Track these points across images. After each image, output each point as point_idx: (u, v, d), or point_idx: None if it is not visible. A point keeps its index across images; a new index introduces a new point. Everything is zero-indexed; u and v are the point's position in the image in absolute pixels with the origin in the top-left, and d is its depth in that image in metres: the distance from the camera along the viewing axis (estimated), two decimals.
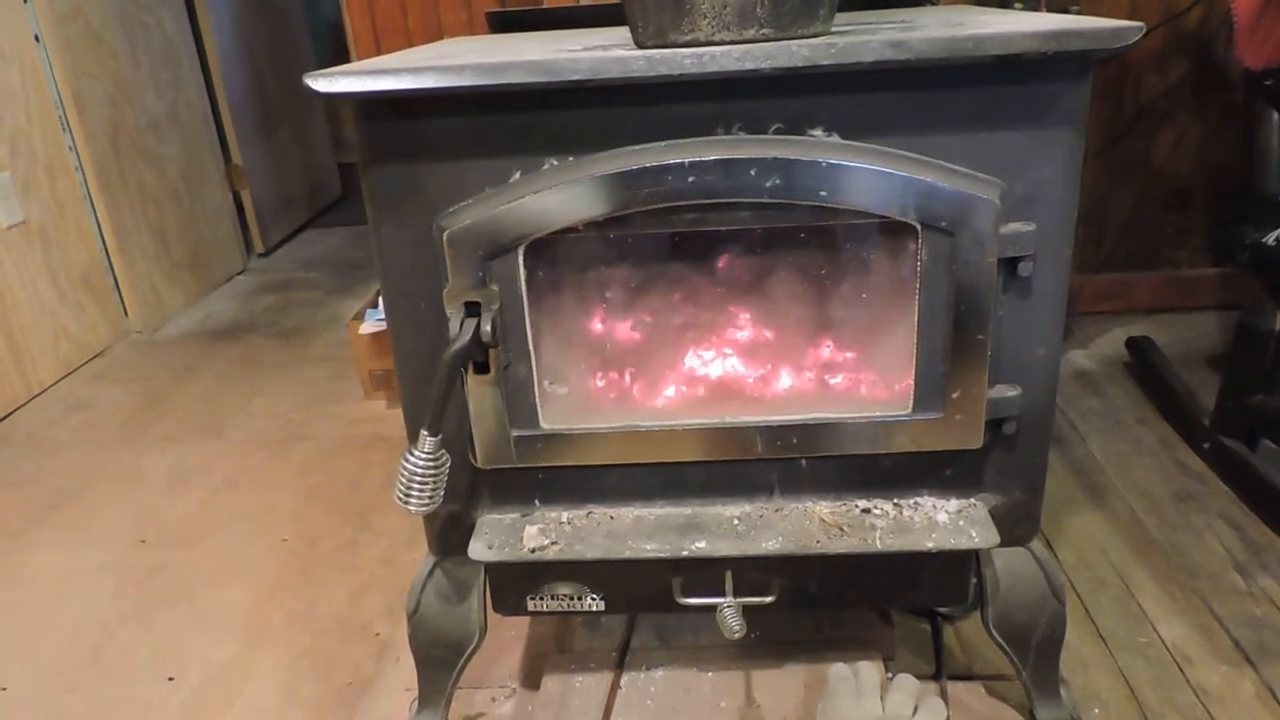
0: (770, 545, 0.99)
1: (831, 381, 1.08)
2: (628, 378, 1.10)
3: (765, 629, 1.22)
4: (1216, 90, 2.09)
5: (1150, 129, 2.14)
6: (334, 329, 2.61)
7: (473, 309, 0.93)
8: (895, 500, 1.04)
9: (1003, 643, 1.07)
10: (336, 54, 4.13)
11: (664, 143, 0.88)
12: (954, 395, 0.95)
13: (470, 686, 1.24)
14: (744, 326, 1.10)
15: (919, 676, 1.03)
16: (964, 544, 0.98)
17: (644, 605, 1.17)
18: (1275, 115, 1.57)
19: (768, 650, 1.22)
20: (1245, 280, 1.66)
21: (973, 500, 1.03)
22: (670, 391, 1.09)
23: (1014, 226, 0.89)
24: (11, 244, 2.26)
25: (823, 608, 1.28)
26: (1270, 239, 1.53)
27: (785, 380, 1.08)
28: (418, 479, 0.93)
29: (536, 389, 0.98)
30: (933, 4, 1.41)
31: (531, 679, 1.24)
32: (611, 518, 1.05)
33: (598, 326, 1.11)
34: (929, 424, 0.97)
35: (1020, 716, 1.13)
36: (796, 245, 1.05)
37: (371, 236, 0.95)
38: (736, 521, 1.03)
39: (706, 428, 1.00)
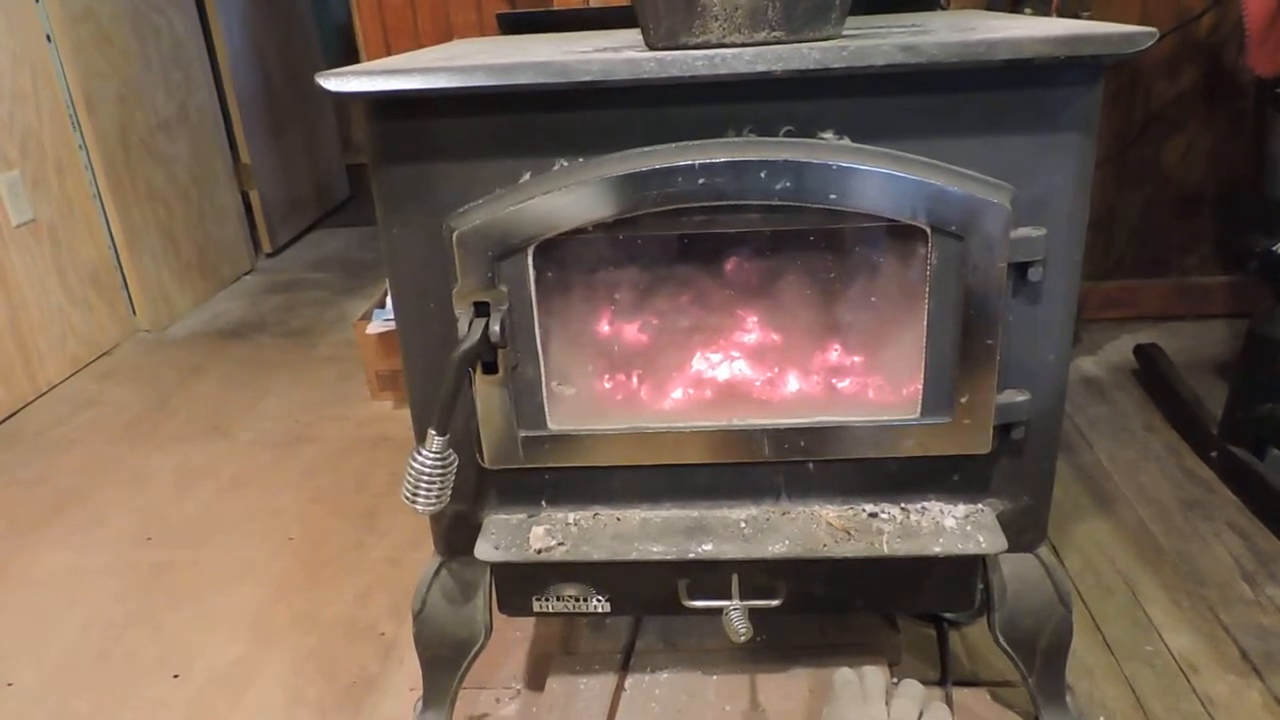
0: (777, 548, 0.99)
1: (839, 385, 1.08)
2: (635, 379, 1.10)
3: (771, 632, 1.21)
4: (1227, 97, 2.08)
5: (1160, 135, 2.13)
6: (341, 329, 2.61)
7: (481, 309, 0.93)
8: (902, 505, 1.03)
9: (1009, 649, 1.07)
10: (346, 56, 4.15)
11: (674, 144, 0.88)
12: (962, 400, 0.95)
13: (475, 687, 1.24)
14: (752, 329, 1.10)
15: (924, 682, 1.03)
16: (971, 549, 0.98)
17: (650, 607, 1.17)
18: None
19: (773, 654, 1.21)
20: (1255, 288, 1.65)
21: (980, 505, 1.03)
22: (678, 394, 1.09)
23: (1024, 231, 0.89)
24: (21, 242, 2.27)
25: (828, 612, 1.28)
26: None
27: (793, 383, 1.08)
28: (425, 479, 0.93)
29: (544, 390, 0.98)
30: (943, 8, 1.41)
31: (536, 680, 1.24)
32: (618, 519, 1.05)
33: (606, 328, 1.11)
34: (937, 428, 0.97)
35: None
36: (805, 248, 1.05)
37: (380, 237, 0.95)
38: (743, 524, 1.03)
39: (714, 430, 1.00)
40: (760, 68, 0.81)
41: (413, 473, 0.93)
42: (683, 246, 1.07)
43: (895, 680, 1.07)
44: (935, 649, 1.25)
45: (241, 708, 1.28)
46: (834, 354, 1.09)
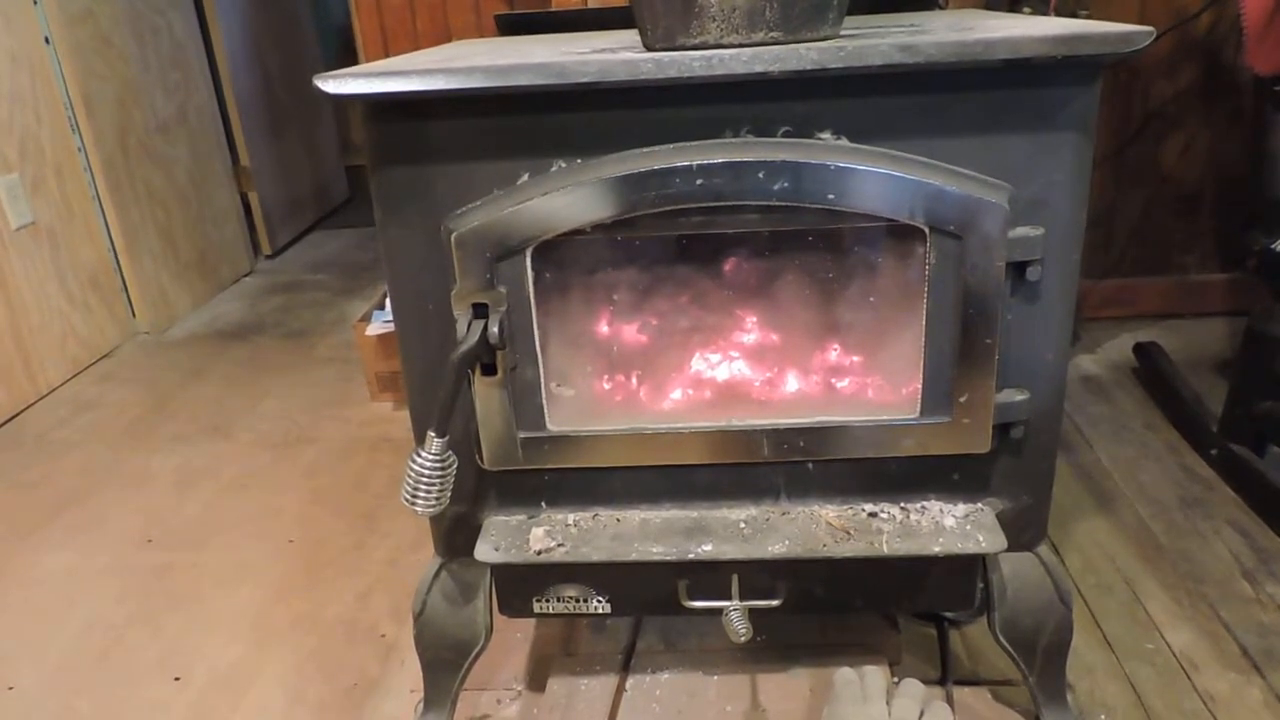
0: (776, 549, 0.99)
1: (838, 385, 1.08)
2: (634, 380, 1.10)
3: (771, 633, 1.21)
4: (1226, 95, 2.08)
5: (1159, 134, 2.13)
6: (341, 330, 2.61)
7: (480, 311, 0.93)
8: (902, 504, 1.03)
9: (1009, 648, 1.07)
10: (345, 57, 4.15)
11: (672, 145, 0.88)
12: (961, 399, 0.95)
13: (475, 688, 1.24)
14: (751, 329, 1.10)
15: (925, 681, 1.03)
16: (971, 548, 0.98)
17: (650, 608, 1.17)
18: None
19: (773, 654, 1.21)
20: (1254, 286, 1.65)
21: (980, 505, 1.03)
22: (677, 394, 1.09)
23: (1022, 231, 0.89)
24: (20, 245, 2.27)
25: (828, 612, 1.28)
26: (1279, 245, 1.52)
27: (792, 383, 1.08)
28: (424, 480, 0.93)
29: (543, 391, 0.98)
30: (941, 8, 1.41)
31: (537, 681, 1.24)
32: (618, 520, 1.05)
33: (605, 329, 1.11)
34: (936, 428, 0.97)
35: None
36: (804, 248, 1.05)
37: (379, 238, 0.95)
38: (743, 525, 1.03)
39: (713, 431, 1.00)
40: (757, 68, 0.81)
41: (412, 474, 0.93)
42: (681, 247, 1.07)
43: (896, 680, 1.07)
44: (936, 648, 1.25)
45: (242, 709, 1.28)
46: (833, 354, 1.09)
